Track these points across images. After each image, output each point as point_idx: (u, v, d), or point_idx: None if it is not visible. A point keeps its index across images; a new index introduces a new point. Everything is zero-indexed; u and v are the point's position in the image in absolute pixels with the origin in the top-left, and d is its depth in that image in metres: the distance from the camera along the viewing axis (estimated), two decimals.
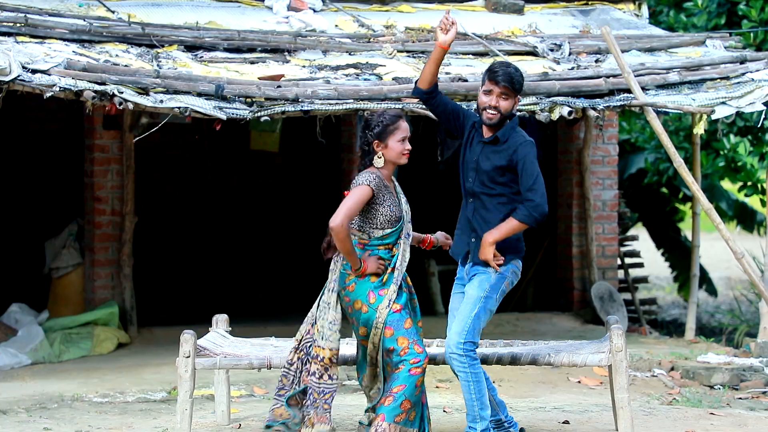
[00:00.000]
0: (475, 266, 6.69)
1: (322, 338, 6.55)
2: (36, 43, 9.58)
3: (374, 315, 6.47)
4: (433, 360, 6.99)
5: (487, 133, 6.71)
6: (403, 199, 6.70)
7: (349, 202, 6.48)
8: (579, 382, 9.41)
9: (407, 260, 6.62)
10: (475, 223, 6.68)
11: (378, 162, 6.60)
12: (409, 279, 6.70)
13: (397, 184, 6.72)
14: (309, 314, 6.72)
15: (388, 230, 6.57)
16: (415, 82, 6.86)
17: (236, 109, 9.22)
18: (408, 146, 6.62)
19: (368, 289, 6.52)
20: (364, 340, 6.56)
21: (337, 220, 6.41)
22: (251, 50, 10.36)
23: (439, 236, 7.05)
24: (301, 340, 6.69)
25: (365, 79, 9.86)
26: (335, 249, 6.61)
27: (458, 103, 6.89)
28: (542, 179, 6.62)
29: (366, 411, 6.70)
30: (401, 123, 6.61)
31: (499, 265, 6.62)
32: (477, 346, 6.63)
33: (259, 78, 9.63)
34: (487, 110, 6.65)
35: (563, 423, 7.66)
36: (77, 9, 10.50)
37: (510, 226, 6.59)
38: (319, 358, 6.55)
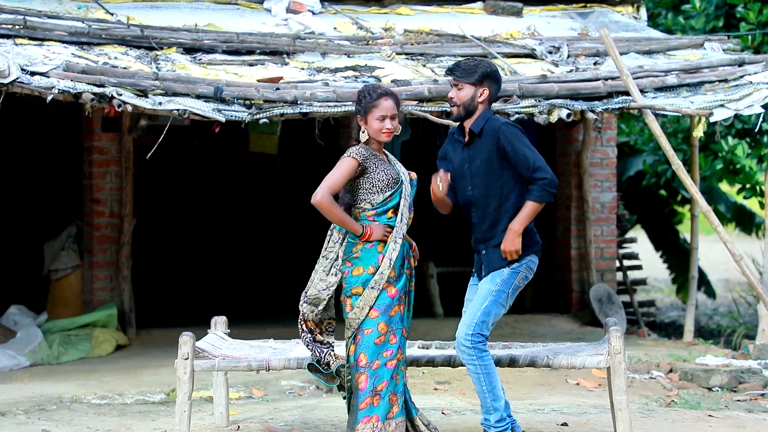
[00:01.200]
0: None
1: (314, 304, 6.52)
2: (35, 45, 9.59)
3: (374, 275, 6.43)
4: (432, 362, 6.99)
5: (465, 137, 6.67)
6: (399, 166, 6.58)
7: (332, 174, 6.39)
8: (577, 384, 9.41)
9: (407, 221, 6.50)
10: (483, 233, 6.60)
11: (362, 137, 6.52)
12: (413, 260, 6.62)
13: (389, 154, 6.61)
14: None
15: (389, 192, 6.47)
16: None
17: (235, 111, 9.22)
18: (388, 125, 6.46)
19: (377, 255, 6.44)
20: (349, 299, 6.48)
21: (317, 195, 6.34)
22: (250, 52, 10.37)
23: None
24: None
25: (364, 82, 9.85)
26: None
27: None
28: (538, 152, 6.51)
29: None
30: (382, 101, 6.47)
31: (514, 261, 6.55)
32: (486, 339, 6.56)
33: (258, 80, 9.63)
34: (451, 107, 6.66)
35: (562, 425, 7.65)
36: (76, 11, 10.51)
37: (529, 210, 6.49)
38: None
